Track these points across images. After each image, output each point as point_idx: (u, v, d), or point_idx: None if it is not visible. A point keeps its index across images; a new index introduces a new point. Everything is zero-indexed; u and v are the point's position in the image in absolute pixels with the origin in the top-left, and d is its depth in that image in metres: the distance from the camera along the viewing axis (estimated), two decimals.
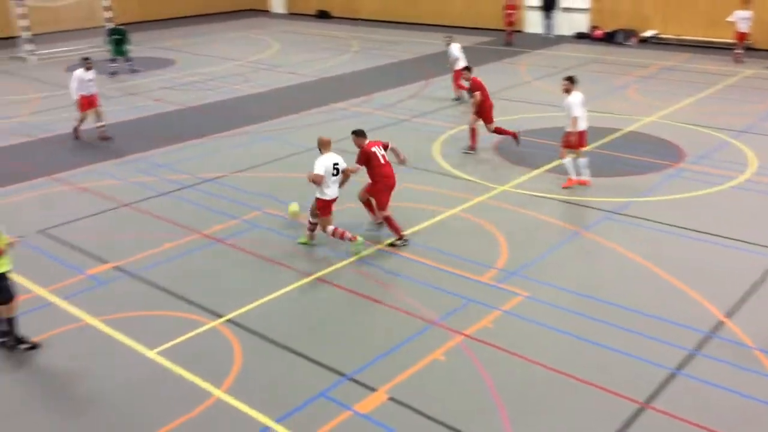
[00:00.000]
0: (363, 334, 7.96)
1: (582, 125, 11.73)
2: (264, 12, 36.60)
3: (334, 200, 9.69)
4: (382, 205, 10.05)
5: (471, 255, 9.62)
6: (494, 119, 13.88)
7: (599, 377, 6.98)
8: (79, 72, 14.78)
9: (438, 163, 13.37)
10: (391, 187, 10.11)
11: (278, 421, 6.45)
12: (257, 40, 28.15)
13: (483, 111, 13.66)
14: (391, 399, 6.71)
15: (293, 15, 35.47)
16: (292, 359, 7.43)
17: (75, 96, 14.84)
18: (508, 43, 25.77)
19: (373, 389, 6.85)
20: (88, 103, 14.93)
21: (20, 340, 7.62)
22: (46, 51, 24.28)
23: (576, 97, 11.65)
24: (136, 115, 17.20)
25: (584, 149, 12.01)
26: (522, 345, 7.55)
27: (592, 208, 11.19)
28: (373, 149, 9.93)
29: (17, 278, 8.13)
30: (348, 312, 8.41)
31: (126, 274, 9.29)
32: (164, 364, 7.35)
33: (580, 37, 26.91)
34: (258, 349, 7.63)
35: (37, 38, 24.33)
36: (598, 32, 26.34)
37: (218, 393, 6.87)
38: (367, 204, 10.53)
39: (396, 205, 11.38)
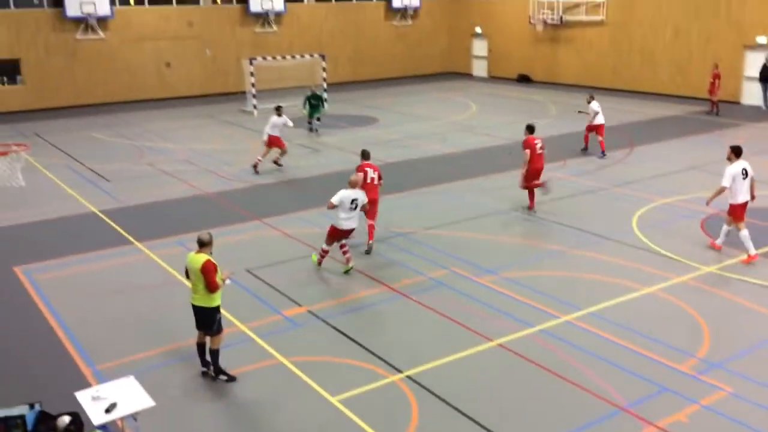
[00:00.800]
0: (545, 411, 7.67)
1: (740, 198, 11.29)
2: (467, 75, 37.60)
3: (346, 231, 11.14)
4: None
5: (669, 339, 8.97)
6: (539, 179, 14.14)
7: None
8: (273, 118, 17.76)
9: (636, 236, 12.73)
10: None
11: None
12: (457, 102, 28.91)
13: (529, 170, 13.98)
14: None
15: (494, 78, 36.07)
16: (469, 427, 7.32)
17: (265, 136, 17.75)
18: (712, 113, 24.30)
19: None
20: (273, 141, 17.77)
21: (220, 371, 8.27)
22: (268, 106, 26.71)
23: (734, 167, 11.25)
24: (339, 168, 18.29)
25: (742, 222, 11.31)
26: None
27: None
28: (367, 169, 12.14)
29: (224, 312, 8.87)
30: (530, 384, 8.17)
31: (317, 319, 9.78)
32: (346, 412, 7.59)
33: None
34: (435, 410, 7.63)
35: (262, 94, 26.88)
36: None
37: None
38: None
39: (586, 276, 11.00)
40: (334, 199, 11.11)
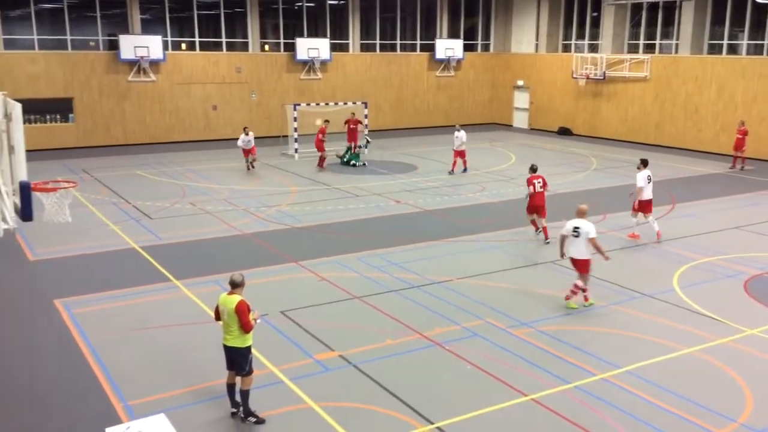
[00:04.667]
0: None
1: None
2: (507, 126, 37.77)
3: (572, 260, 11.70)
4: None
5: (708, 402, 8.68)
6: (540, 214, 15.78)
7: None
8: (242, 136, 23.66)
9: (677, 294, 12.46)
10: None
11: None
12: (497, 152, 28.99)
13: (529, 205, 15.86)
14: None
15: (534, 130, 36.15)
16: None
17: (240, 144, 23.81)
18: (735, 168, 24.62)
19: None
20: (247, 152, 23.80)
21: (250, 413, 8.23)
22: (309, 150, 27.14)
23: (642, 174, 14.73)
24: (378, 213, 18.40)
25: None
26: None
27: None
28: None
29: (256, 353, 8.88)
30: None
31: (349, 364, 9.72)
32: None
33: None
34: None
35: (304, 138, 27.33)
36: None
37: None
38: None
39: (625, 334, 10.79)
40: (564, 230, 11.77)
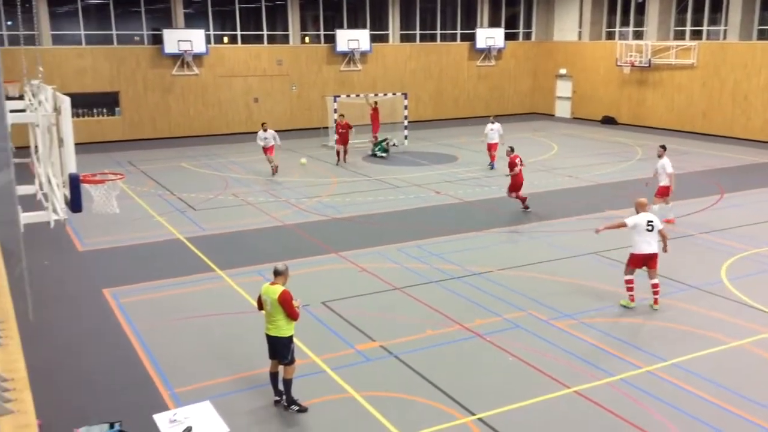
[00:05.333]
0: None
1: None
2: (549, 116, 37.28)
3: (644, 255, 10.96)
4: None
5: (757, 396, 8.47)
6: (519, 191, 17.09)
7: None
8: (260, 132, 22.10)
9: (726, 286, 12.17)
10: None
11: None
12: (539, 142, 28.65)
13: (513, 183, 17.22)
14: None
15: (577, 119, 35.61)
16: None
17: (259, 142, 22.06)
18: None
19: None
20: (266, 150, 21.89)
21: (293, 402, 8.33)
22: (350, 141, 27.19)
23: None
24: (418, 204, 18.36)
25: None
26: None
27: None
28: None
29: (298, 343, 8.97)
30: None
31: (390, 355, 9.75)
32: None
33: None
34: None
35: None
36: None
37: None
38: None
39: (671, 326, 10.60)
40: (628, 220, 11.09)
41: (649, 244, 10.99)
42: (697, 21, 31.30)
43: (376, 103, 26.78)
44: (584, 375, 9.10)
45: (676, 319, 10.89)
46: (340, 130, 24.37)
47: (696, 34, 31.22)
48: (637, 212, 11.14)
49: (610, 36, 35.00)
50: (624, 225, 11.09)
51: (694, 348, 9.81)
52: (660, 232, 11.04)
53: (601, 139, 29.19)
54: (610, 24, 35.15)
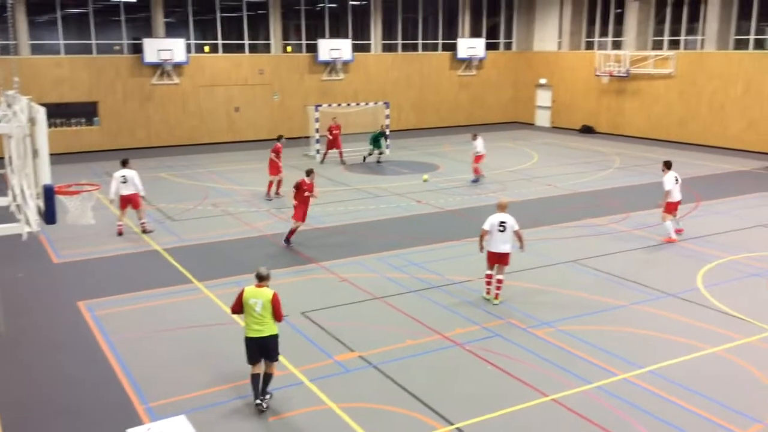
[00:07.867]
0: None
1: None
2: (529, 125, 37.52)
3: (496, 254, 11.63)
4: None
5: (733, 403, 8.54)
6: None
7: None
8: (117, 173, 16.33)
9: (702, 293, 12.28)
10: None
11: None
12: (519, 151, 28.81)
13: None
14: None
15: (557, 129, 35.87)
16: None
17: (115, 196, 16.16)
18: None
19: None
20: (125, 200, 16.09)
21: (265, 393, 8.57)
22: (331, 150, 27.19)
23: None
24: (399, 213, 18.36)
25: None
26: None
27: None
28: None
29: None
30: None
31: (369, 365, 9.72)
32: None
33: None
34: None
35: (325, 139, 27.37)
36: None
37: None
38: None
39: (648, 333, 10.66)
40: (485, 224, 11.73)
41: (503, 243, 11.70)
42: (675, 31, 31.70)
43: (334, 118, 26.57)
44: (562, 383, 9.12)
45: (652, 326, 10.96)
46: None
47: (674, 44, 31.61)
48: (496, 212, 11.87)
49: (590, 46, 35.35)
50: (484, 231, 11.80)
51: (670, 355, 9.88)
52: (516, 233, 11.71)
53: (580, 148, 29.42)
54: (590, 34, 35.50)
